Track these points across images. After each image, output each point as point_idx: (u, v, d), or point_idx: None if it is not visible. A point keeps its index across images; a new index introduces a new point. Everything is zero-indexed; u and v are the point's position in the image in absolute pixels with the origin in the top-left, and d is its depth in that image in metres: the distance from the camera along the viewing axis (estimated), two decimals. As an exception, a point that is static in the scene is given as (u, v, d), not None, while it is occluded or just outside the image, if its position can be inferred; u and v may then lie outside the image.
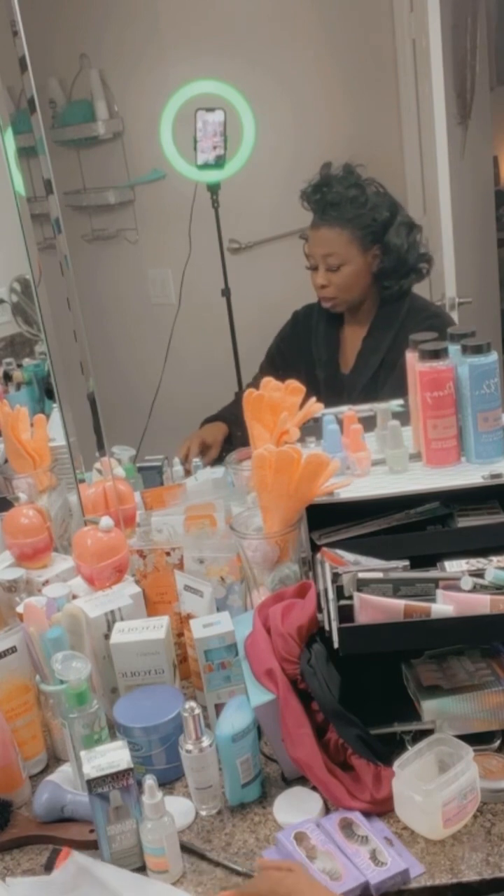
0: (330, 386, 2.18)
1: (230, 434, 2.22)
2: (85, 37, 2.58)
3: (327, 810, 1.29)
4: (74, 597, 1.57)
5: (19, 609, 1.53)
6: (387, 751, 1.30)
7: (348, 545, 1.42)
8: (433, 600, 1.30)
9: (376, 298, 2.15)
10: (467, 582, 1.30)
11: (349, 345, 2.21)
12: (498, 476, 1.46)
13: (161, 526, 1.74)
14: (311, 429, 1.68)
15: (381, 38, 2.59)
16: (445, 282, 2.49)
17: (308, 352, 2.24)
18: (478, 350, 1.49)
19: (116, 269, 2.79)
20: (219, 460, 2.18)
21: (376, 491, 1.48)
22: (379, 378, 2.11)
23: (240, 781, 1.31)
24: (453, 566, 1.36)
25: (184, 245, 2.63)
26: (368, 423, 1.65)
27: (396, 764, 1.23)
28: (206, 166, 2.43)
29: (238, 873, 1.21)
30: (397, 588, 1.31)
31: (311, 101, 2.63)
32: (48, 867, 1.26)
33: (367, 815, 1.25)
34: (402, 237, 2.11)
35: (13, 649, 1.43)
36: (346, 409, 1.67)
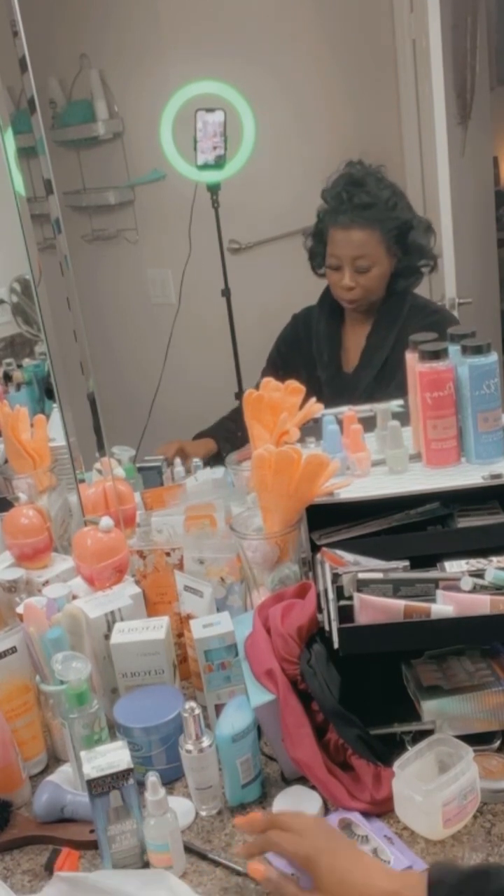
0: (332, 385, 2.18)
1: (219, 451, 2.22)
2: (85, 37, 2.58)
3: (327, 810, 1.29)
4: (74, 597, 1.57)
5: (19, 609, 1.53)
6: (387, 751, 1.30)
7: (348, 545, 1.42)
8: (433, 600, 1.30)
9: (383, 296, 2.16)
10: (467, 582, 1.30)
11: (351, 343, 2.21)
12: (498, 476, 1.46)
13: (161, 526, 1.74)
14: (311, 429, 1.68)
15: (381, 38, 2.59)
16: (445, 282, 2.50)
17: (308, 352, 2.24)
18: (478, 350, 1.49)
19: (116, 269, 2.79)
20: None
21: (376, 491, 1.48)
22: (383, 376, 2.12)
23: (240, 781, 1.31)
24: (453, 566, 1.36)
25: (184, 245, 2.63)
26: (368, 423, 1.65)
27: (396, 764, 1.23)
28: (206, 166, 2.43)
29: (238, 873, 1.21)
30: (397, 588, 1.31)
31: (311, 102, 2.63)
32: (48, 867, 1.26)
33: (366, 815, 1.25)
34: (424, 237, 2.13)
35: (13, 649, 1.43)
36: (346, 410, 1.67)
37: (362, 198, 2.08)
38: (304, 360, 2.23)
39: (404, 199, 2.14)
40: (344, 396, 2.11)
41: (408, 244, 2.11)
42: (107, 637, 1.49)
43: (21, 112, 1.61)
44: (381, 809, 1.26)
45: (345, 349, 2.21)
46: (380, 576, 1.32)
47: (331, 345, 2.21)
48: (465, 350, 1.49)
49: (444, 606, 1.28)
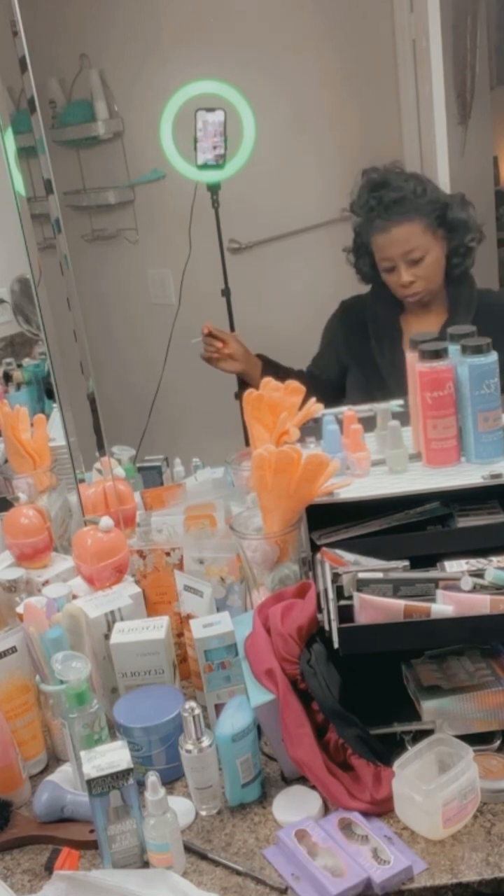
0: (392, 373, 2.16)
1: (254, 374, 2.25)
2: (85, 37, 2.57)
3: (326, 809, 1.29)
4: (74, 597, 1.57)
5: (19, 609, 1.53)
6: (387, 751, 1.30)
7: (348, 545, 1.42)
8: (433, 600, 1.30)
9: (444, 282, 2.16)
10: (467, 582, 1.30)
11: (422, 328, 2.19)
12: (498, 476, 1.46)
13: (161, 526, 1.74)
14: (311, 429, 1.68)
15: (381, 39, 2.59)
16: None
17: (362, 339, 2.22)
18: (478, 350, 1.49)
19: (116, 269, 2.79)
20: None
21: (376, 491, 1.48)
22: None
23: (240, 781, 1.31)
24: (453, 566, 1.36)
25: (184, 245, 2.63)
26: (368, 423, 1.65)
27: (396, 764, 1.23)
28: (206, 166, 2.43)
29: (238, 873, 1.21)
30: (397, 588, 1.31)
31: (311, 102, 2.63)
32: (48, 867, 1.26)
33: (366, 815, 1.25)
34: (463, 211, 2.13)
35: (13, 649, 1.43)
36: (345, 409, 1.67)
37: (390, 195, 2.08)
38: (361, 347, 2.21)
39: (431, 183, 2.14)
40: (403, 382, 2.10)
41: (449, 223, 2.11)
42: (107, 637, 1.49)
43: (21, 112, 1.61)
44: (381, 809, 1.26)
45: (409, 333, 2.20)
46: (380, 576, 1.32)
47: (391, 334, 2.20)
48: (465, 350, 1.49)
49: (444, 606, 1.28)
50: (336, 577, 1.32)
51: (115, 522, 1.62)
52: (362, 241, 2.14)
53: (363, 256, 2.16)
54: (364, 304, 2.23)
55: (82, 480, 1.81)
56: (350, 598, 1.30)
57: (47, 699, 1.45)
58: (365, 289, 2.22)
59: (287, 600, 1.41)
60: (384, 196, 2.08)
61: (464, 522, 1.45)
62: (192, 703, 1.29)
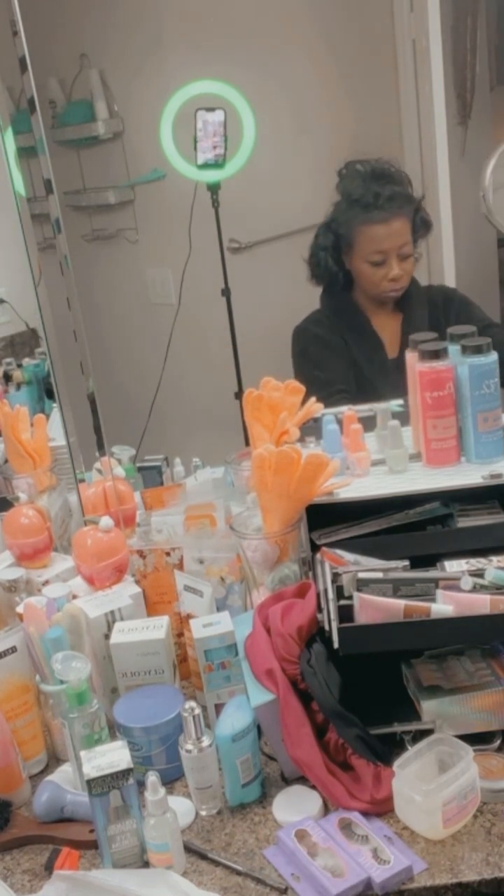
0: (381, 374, 2.18)
1: None
2: (85, 37, 2.58)
3: (326, 809, 1.29)
4: (74, 597, 1.57)
5: (19, 609, 1.53)
6: (387, 751, 1.30)
7: (348, 545, 1.42)
8: (433, 600, 1.30)
9: None
10: (467, 582, 1.30)
11: (385, 330, 2.20)
12: (498, 476, 1.46)
13: (161, 526, 1.74)
14: (311, 429, 1.68)
15: (381, 39, 2.59)
16: (445, 282, 2.50)
17: (345, 351, 2.22)
18: (478, 350, 1.49)
19: (116, 268, 2.79)
20: None
21: (376, 491, 1.48)
22: None
23: (240, 781, 1.31)
24: (453, 566, 1.36)
25: (184, 245, 2.63)
26: (368, 423, 1.65)
27: (396, 764, 1.23)
28: (206, 166, 2.43)
29: (238, 873, 1.21)
30: (397, 588, 1.31)
31: (311, 101, 2.63)
32: (48, 867, 1.26)
33: (366, 815, 1.25)
34: (425, 212, 2.17)
35: (13, 649, 1.43)
36: (345, 409, 1.67)
37: (392, 189, 2.10)
38: (342, 360, 2.21)
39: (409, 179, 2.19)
40: (389, 379, 2.11)
41: (415, 222, 2.14)
42: (107, 637, 1.49)
43: (21, 112, 1.61)
44: (381, 809, 1.26)
45: (383, 337, 2.21)
46: (380, 575, 1.32)
47: (371, 340, 2.20)
48: (465, 350, 1.49)
49: (443, 606, 1.28)
50: (336, 577, 1.32)
51: (115, 522, 1.62)
52: (340, 234, 2.14)
53: (336, 250, 2.15)
54: (322, 322, 2.23)
55: (82, 480, 1.81)
56: (350, 598, 1.30)
57: (47, 699, 1.45)
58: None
59: (287, 600, 1.41)
60: (387, 188, 2.09)
61: (464, 522, 1.45)
62: (192, 703, 1.29)
